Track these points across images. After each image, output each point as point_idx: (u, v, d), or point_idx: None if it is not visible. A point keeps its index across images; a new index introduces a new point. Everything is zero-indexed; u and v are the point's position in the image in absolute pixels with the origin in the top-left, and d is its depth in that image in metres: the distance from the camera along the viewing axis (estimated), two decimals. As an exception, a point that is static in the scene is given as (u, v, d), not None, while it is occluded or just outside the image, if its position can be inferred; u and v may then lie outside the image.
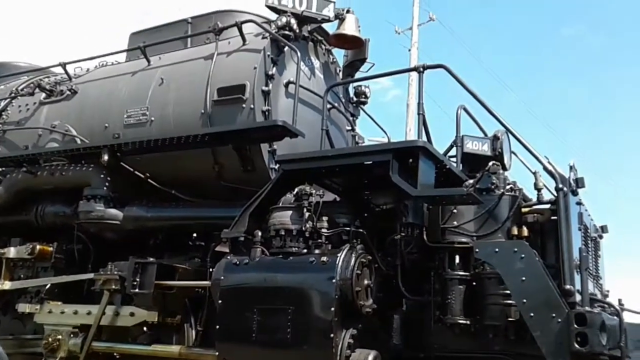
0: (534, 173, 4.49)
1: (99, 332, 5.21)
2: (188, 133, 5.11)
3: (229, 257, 4.37)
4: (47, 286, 5.71)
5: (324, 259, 3.99)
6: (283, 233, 4.25)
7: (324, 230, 4.23)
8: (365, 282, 4.06)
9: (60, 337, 5.30)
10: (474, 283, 4.24)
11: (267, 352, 4.00)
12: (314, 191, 4.39)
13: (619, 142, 40.48)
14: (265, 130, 4.97)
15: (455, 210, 4.36)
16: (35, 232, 6.12)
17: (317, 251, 4.15)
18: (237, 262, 4.26)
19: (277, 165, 4.89)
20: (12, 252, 5.93)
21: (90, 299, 5.48)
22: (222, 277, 4.27)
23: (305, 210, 4.26)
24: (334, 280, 3.85)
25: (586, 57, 46.63)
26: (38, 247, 5.78)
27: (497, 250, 3.94)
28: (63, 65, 6.62)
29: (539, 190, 4.42)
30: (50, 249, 5.85)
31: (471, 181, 4.40)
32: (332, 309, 3.81)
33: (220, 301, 4.25)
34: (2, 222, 6.30)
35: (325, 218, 4.27)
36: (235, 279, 4.22)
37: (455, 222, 4.34)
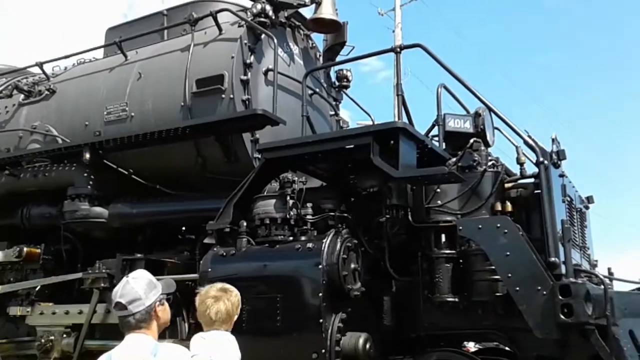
0: (516, 147, 4.49)
1: (91, 331, 5.22)
2: (168, 127, 5.07)
3: (215, 249, 4.36)
4: (37, 288, 5.68)
5: (310, 245, 3.99)
6: (268, 222, 4.25)
7: (308, 216, 4.24)
8: (352, 266, 4.06)
9: (52, 337, 5.30)
10: (461, 261, 4.26)
11: (258, 340, 3.98)
12: (296, 178, 4.38)
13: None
14: (246, 119, 4.94)
15: (438, 190, 4.35)
16: (22, 234, 6.09)
17: (302, 238, 4.15)
18: (224, 254, 4.26)
19: (260, 155, 4.87)
20: (-1, 256, 5.90)
21: (81, 298, 5.46)
22: (210, 269, 4.26)
23: (288, 197, 4.25)
24: (320, 266, 3.86)
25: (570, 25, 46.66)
26: (25, 249, 5.75)
27: (480, 226, 3.95)
28: (40, 65, 6.53)
29: (521, 164, 4.42)
30: (38, 250, 5.82)
31: (454, 159, 4.41)
32: (320, 294, 3.82)
33: (208, 293, 4.24)
34: (-13, 226, 6.26)
35: (309, 204, 4.26)
36: (223, 270, 4.19)
37: (439, 201, 4.34)
